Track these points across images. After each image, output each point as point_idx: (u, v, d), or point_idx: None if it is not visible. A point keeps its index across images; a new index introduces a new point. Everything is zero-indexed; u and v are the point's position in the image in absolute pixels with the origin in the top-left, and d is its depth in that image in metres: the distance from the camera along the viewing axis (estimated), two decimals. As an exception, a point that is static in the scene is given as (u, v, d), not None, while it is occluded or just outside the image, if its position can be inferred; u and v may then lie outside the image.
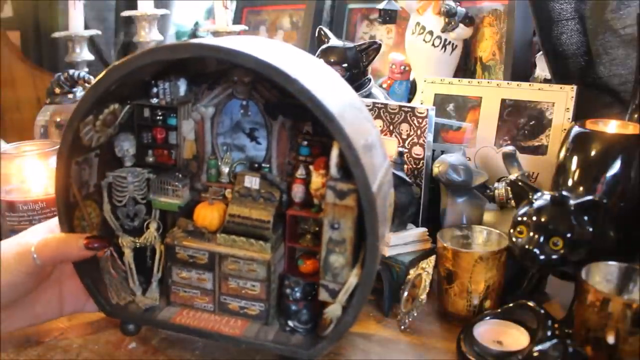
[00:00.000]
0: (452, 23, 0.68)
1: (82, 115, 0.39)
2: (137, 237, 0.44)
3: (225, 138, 0.46)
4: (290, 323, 0.42)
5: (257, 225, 0.42)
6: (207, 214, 0.43)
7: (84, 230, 0.42)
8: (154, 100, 0.43)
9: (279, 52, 0.38)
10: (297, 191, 0.43)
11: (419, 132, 0.54)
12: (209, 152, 0.45)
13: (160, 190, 0.44)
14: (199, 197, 0.46)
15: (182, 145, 0.45)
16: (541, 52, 0.61)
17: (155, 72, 0.42)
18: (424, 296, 0.45)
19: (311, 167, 0.42)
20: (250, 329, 0.42)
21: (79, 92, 0.82)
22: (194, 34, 1.05)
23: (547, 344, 0.37)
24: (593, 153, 0.44)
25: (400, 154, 0.50)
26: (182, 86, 0.43)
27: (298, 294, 0.42)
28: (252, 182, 0.43)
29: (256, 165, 0.45)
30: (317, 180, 0.41)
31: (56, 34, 0.93)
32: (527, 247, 0.40)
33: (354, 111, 0.38)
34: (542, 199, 0.41)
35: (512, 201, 0.48)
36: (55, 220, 0.44)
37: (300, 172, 0.43)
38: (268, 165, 0.45)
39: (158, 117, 0.44)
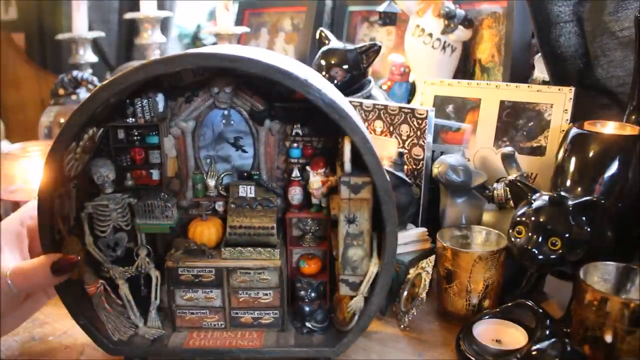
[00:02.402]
0: (452, 25, 0.69)
1: (67, 143, 0.35)
2: (128, 267, 0.42)
3: (208, 150, 0.44)
4: (308, 324, 0.42)
5: (261, 232, 0.42)
6: (204, 230, 0.42)
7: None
8: (131, 120, 0.41)
9: (276, 57, 0.38)
10: (295, 193, 0.43)
11: (418, 133, 0.54)
12: (193, 167, 0.44)
13: (147, 213, 0.41)
14: (186, 215, 0.44)
15: (166, 163, 0.43)
16: (539, 54, 0.61)
17: (131, 90, 0.40)
18: (423, 295, 0.45)
19: (308, 168, 0.42)
20: (269, 338, 0.42)
21: (83, 93, 0.83)
22: (196, 36, 1.06)
23: (545, 343, 0.37)
24: (591, 154, 0.45)
25: (400, 154, 0.51)
26: (161, 102, 0.41)
27: (313, 294, 0.42)
28: (247, 190, 0.43)
29: (245, 174, 0.45)
30: (315, 179, 0.41)
31: (60, 36, 0.93)
32: (525, 247, 0.41)
33: (350, 107, 0.39)
34: (541, 199, 0.42)
35: (511, 201, 0.48)
36: (24, 211, 0.41)
37: (295, 174, 0.43)
38: (257, 173, 0.44)
39: (135, 138, 0.42)
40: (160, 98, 0.41)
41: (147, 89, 0.41)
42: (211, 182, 0.44)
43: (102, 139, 0.41)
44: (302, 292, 0.42)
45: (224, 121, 0.44)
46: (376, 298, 0.39)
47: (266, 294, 0.42)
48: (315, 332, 0.42)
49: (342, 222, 0.38)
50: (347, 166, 0.37)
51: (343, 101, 0.37)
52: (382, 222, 0.37)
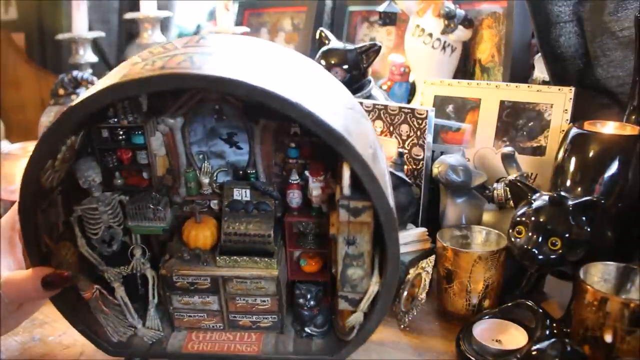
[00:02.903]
0: (452, 25, 0.69)
1: (41, 164, 0.33)
2: (121, 267, 0.41)
3: (200, 146, 0.42)
4: (307, 329, 0.41)
5: (257, 240, 0.40)
6: (199, 234, 0.40)
7: None
8: (113, 121, 0.38)
9: (266, 64, 0.34)
10: (294, 197, 0.41)
11: (418, 133, 0.54)
12: (184, 164, 0.41)
13: (139, 215, 0.39)
14: (180, 212, 0.42)
15: (154, 163, 0.40)
16: (539, 54, 0.61)
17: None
18: (423, 295, 0.45)
19: (307, 173, 0.40)
20: (267, 342, 0.41)
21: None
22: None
23: (545, 343, 0.37)
24: (591, 154, 0.45)
25: (400, 154, 0.50)
26: (144, 101, 0.38)
27: (312, 301, 0.41)
28: (241, 194, 0.40)
29: (240, 172, 0.42)
30: (315, 186, 0.40)
31: (60, 36, 0.93)
32: (525, 247, 0.41)
33: (352, 114, 0.37)
34: (541, 199, 0.42)
35: (511, 201, 0.48)
36: (14, 215, 0.39)
37: (294, 177, 0.41)
38: (253, 171, 0.42)
39: (120, 137, 0.39)
40: (143, 97, 0.39)
41: None
42: (205, 180, 0.41)
43: (85, 138, 0.38)
44: (301, 300, 0.41)
45: (215, 116, 0.41)
46: (376, 315, 0.38)
47: (264, 301, 0.41)
48: (315, 336, 0.41)
49: (341, 243, 0.36)
50: (346, 190, 0.35)
51: (340, 118, 0.33)
52: (384, 241, 0.35)
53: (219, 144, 0.43)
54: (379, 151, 0.38)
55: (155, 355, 0.41)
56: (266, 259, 0.40)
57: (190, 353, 0.40)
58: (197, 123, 0.42)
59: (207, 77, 0.31)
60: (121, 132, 0.39)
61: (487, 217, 0.53)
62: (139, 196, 0.41)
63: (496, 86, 0.58)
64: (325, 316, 0.42)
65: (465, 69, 0.73)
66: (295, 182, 0.42)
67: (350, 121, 0.35)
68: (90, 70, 0.92)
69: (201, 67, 0.31)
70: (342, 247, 0.37)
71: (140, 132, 0.39)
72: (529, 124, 0.56)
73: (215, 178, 0.42)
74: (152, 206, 0.39)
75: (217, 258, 0.40)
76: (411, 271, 0.47)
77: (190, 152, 0.42)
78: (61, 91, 0.81)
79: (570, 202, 0.41)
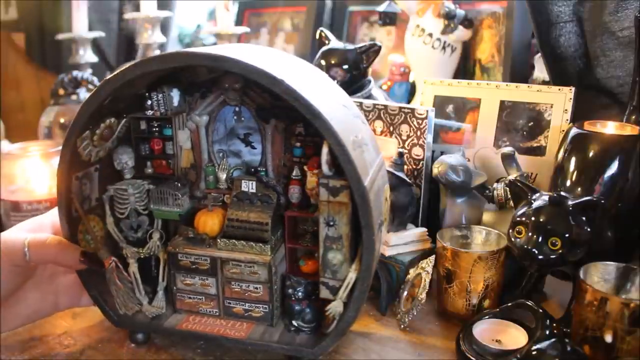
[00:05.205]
0: (452, 25, 0.69)
1: (78, 131, 0.39)
2: (140, 248, 0.45)
3: (221, 145, 0.46)
4: (295, 323, 0.42)
5: (256, 227, 0.43)
6: (208, 220, 0.44)
7: (88, 244, 0.43)
8: (149, 112, 0.43)
9: (267, 56, 0.38)
10: (294, 192, 0.43)
11: (418, 133, 0.54)
12: (206, 160, 0.46)
13: (161, 200, 0.44)
14: (198, 205, 0.46)
15: (178, 154, 0.45)
16: (539, 54, 0.61)
17: (150, 84, 0.42)
18: (423, 295, 0.45)
19: (305, 167, 0.42)
20: (256, 331, 0.43)
21: (83, 93, 0.83)
22: (196, 36, 1.06)
23: (545, 343, 0.37)
24: (591, 154, 0.45)
25: (400, 154, 0.51)
26: (175, 96, 0.43)
27: (300, 294, 0.42)
28: (248, 185, 0.44)
29: (252, 169, 0.46)
30: (311, 179, 0.41)
31: (60, 36, 0.94)
32: (525, 247, 0.41)
33: (343, 110, 0.39)
34: (541, 199, 0.42)
35: (511, 201, 0.48)
36: (43, 218, 0.44)
37: (295, 173, 0.43)
38: (264, 169, 0.45)
39: (154, 129, 0.45)
40: (175, 93, 0.43)
41: (164, 84, 0.43)
42: (222, 175, 0.46)
43: (127, 128, 0.44)
44: (290, 290, 0.42)
45: (235, 117, 0.45)
46: (354, 304, 0.38)
47: (256, 288, 0.43)
48: (302, 331, 0.42)
49: (322, 224, 0.38)
50: (324, 168, 0.38)
51: (325, 103, 0.36)
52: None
53: (236, 143, 0.47)
54: (370, 147, 0.39)
55: (153, 329, 0.44)
56: (261, 245, 0.42)
57: (182, 330, 0.43)
58: (220, 123, 0.46)
59: (209, 55, 0.36)
60: (155, 125, 0.45)
61: (487, 217, 0.53)
62: (163, 183, 0.45)
63: (496, 86, 0.58)
64: (314, 313, 0.42)
65: (465, 69, 0.73)
66: (296, 177, 0.44)
67: (338, 111, 0.37)
68: (90, 70, 0.92)
69: (204, 51, 0.37)
70: (322, 229, 0.39)
71: (170, 125, 0.45)
72: (529, 124, 0.56)
73: (231, 174, 0.46)
74: (173, 192, 0.44)
75: (218, 240, 0.43)
76: (411, 271, 0.47)
77: (212, 150, 0.46)
78: (61, 91, 0.81)
79: (570, 202, 0.41)
